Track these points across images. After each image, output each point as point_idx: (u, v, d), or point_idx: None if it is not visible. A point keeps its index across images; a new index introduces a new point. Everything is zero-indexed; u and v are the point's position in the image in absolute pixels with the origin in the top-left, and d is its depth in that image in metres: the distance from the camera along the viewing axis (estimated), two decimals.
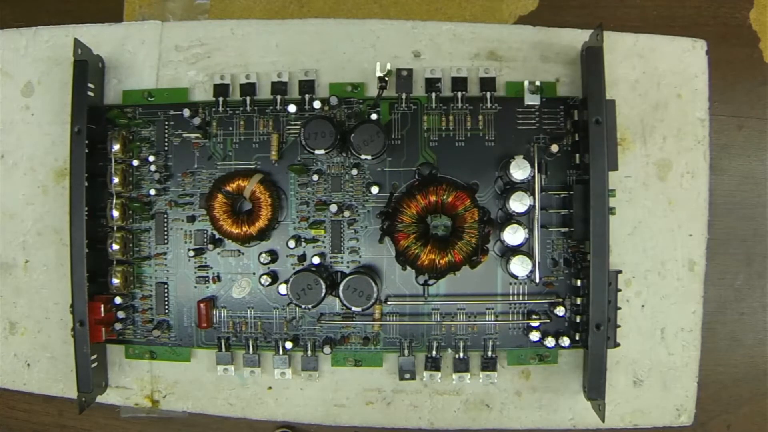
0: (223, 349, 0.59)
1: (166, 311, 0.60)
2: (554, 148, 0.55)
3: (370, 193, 0.58)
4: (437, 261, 0.53)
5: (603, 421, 0.55)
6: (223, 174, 0.59)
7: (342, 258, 0.59)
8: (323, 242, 0.59)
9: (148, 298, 0.60)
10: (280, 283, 0.56)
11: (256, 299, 0.60)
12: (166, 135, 0.60)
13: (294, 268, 0.59)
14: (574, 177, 0.57)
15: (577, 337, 0.56)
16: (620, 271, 0.57)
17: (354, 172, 0.58)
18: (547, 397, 0.60)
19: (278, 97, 0.59)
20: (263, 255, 0.58)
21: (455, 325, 0.59)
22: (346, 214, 0.58)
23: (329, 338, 0.59)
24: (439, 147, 0.59)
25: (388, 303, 0.59)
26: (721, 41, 1.00)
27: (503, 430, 0.61)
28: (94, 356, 0.58)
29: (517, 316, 0.58)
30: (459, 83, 0.58)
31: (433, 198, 0.54)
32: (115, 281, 0.58)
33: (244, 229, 0.56)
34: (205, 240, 0.60)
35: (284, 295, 0.55)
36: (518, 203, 0.54)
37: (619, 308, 0.56)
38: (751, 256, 1.01)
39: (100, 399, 0.61)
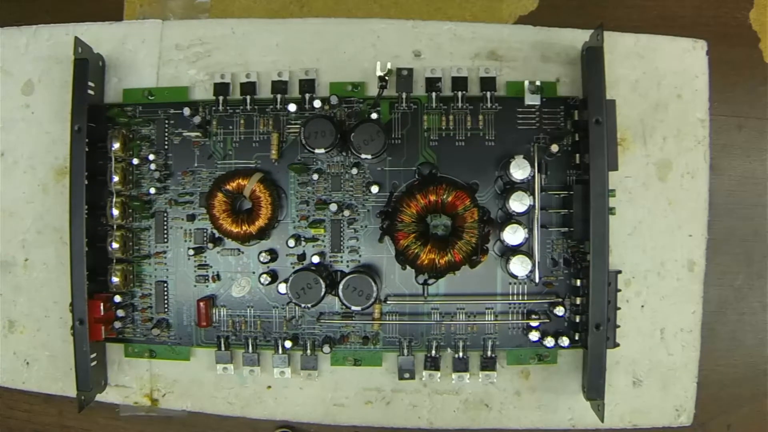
0: (223, 348, 0.59)
1: (166, 310, 0.60)
2: (554, 148, 0.55)
3: (370, 192, 0.58)
4: (437, 260, 0.53)
5: (602, 421, 0.55)
6: (223, 173, 0.59)
7: (342, 257, 0.59)
8: (323, 241, 0.59)
9: (147, 296, 0.60)
10: (280, 282, 0.56)
11: (255, 298, 0.60)
12: (166, 134, 0.60)
13: (294, 267, 0.59)
14: (574, 177, 0.57)
15: (577, 337, 0.56)
16: (620, 271, 0.57)
17: (354, 171, 0.58)
18: (547, 397, 0.60)
19: (278, 96, 0.59)
20: (263, 254, 0.58)
21: (455, 324, 0.59)
22: (346, 213, 0.58)
23: (329, 337, 0.59)
24: (439, 146, 0.59)
25: (388, 302, 0.59)
26: (721, 41, 1.00)
27: (502, 430, 0.61)
28: (94, 355, 0.58)
29: (516, 315, 0.58)
30: (459, 83, 0.58)
31: (433, 197, 0.54)
32: (115, 280, 0.58)
33: (244, 228, 0.56)
34: (205, 239, 0.60)
35: (284, 294, 0.55)
36: (518, 203, 0.54)
37: (619, 308, 0.56)
38: (751, 256, 1.01)
39: (99, 398, 0.61)
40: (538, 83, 0.58)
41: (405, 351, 0.59)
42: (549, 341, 0.57)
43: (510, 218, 0.56)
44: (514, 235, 0.54)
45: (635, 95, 0.60)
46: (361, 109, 0.59)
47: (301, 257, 0.59)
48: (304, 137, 0.54)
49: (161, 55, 0.62)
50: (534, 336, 0.57)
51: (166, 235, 0.60)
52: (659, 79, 0.60)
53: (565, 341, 0.56)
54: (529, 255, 0.55)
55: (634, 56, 0.60)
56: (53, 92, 0.63)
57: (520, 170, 0.54)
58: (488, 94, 0.58)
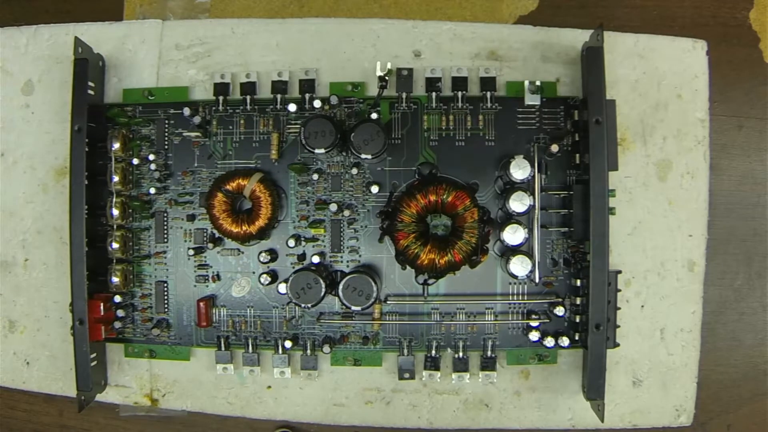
0: (223, 348, 0.59)
1: (166, 310, 0.60)
2: (554, 148, 0.55)
3: (370, 192, 0.58)
4: (437, 260, 0.53)
5: (602, 421, 0.54)
6: (223, 173, 0.59)
7: (342, 257, 0.59)
8: (323, 241, 0.59)
9: (147, 296, 0.60)
10: (280, 282, 0.56)
11: (255, 298, 0.60)
12: (166, 134, 0.60)
13: (294, 267, 0.59)
14: (574, 177, 0.57)
15: (577, 337, 0.56)
16: (620, 271, 0.57)
17: (354, 171, 0.58)
18: (547, 397, 0.60)
19: (278, 96, 0.59)
20: (263, 254, 0.58)
21: (455, 324, 0.59)
22: (346, 213, 0.58)
23: (329, 337, 0.59)
24: (439, 146, 0.59)
25: (388, 302, 0.59)
26: (721, 41, 1.00)
27: (502, 430, 0.61)
28: (94, 355, 0.58)
29: (516, 315, 0.58)
30: (459, 83, 0.58)
31: (433, 197, 0.54)
32: (115, 280, 0.58)
33: (244, 228, 0.56)
34: (205, 239, 0.60)
35: (284, 294, 0.55)
36: (518, 203, 0.54)
37: (619, 308, 0.56)
38: (751, 256, 1.01)
39: (99, 398, 0.61)
40: (538, 83, 0.58)
41: (405, 351, 0.59)
42: (549, 341, 0.57)
43: (510, 218, 0.56)
44: (514, 235, 0.54)
45: (635, 95, 0.60)
46: (361, 109, 0.59)
47: (301, 257, 0.59)
48: (304, 137, 0.54)
49: (161, 55, 0.62)
50: (534, 336, 0.57)
51: (166, 235, 0.60)
52: (659, 79, 0.60)
53: (565, 341, 0.56)
54: (529, 255, 0.55)
55: (634, 56, 0.60)
56: (53, 92, 0.63)
57: (520, 170, 0.54)
58: (488, 94, 0.58)
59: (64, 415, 1.07)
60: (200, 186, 0.60)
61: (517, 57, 0.60)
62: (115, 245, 0.58)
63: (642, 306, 0.60)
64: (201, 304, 0.58)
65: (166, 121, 0.60)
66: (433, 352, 0.58)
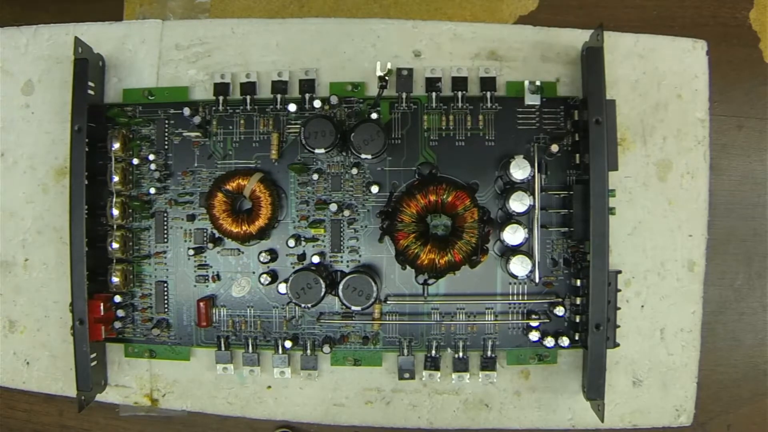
0: (223, 348, 0.59)
1: (166, 310, 0.60)
2: (554, 148, 0.55)
3: (370, 192, 0.58)
4: (437, 260, 0.53)
5: (602, 421, 0.54)
6: (223, 173, 0.59)
7: (342, 257, 0.59)
8: (323, 241, 0.59)
9: (147, 296, 0.60)
10: (280, 282, 0.56)
11: (255, 298, 0.60)
12: (166, 134, 0.60)
13: (294, 267, 0.59)
14: (574, 177, 0.57)
15: (577, 337, 0.56)
16: (620, 271, 0.57)
17: (354, 171, 0.58)
18: (547, 397, 0.60)
19: (278, 96, 0.59)
20: (263, 254, 0.58)
21: (455, 324, 0.59)
22: (346, 213, 0.58)
23: (329, 337, 0.59)
24: (439, 146, 0.59)
25: (388, 302, 0.59)
26: (721, 41, 1.00)
27: (502, 430, 0.61)
28: (94, 355, 0.58)
29: (516, 315, 0.58)
30: (459, 83, 0.58)
31: (433, 197, 0.54)
32: (115, 280, 0.58)
33: (244, 228, 0.56)
34: (205, 239, 0.60)
35: (284, 294, 0.55)
36: (518, 203, 0.54)
37: (619, 308, 0.56)
38: (751, 256, 1.01)
39: (99, 398, 0.61)
40: (538, 83, 0.58)
41: (405, 351, 0.59)
42: (549, 341, 0.57)
43: (510, 218, 0.56)
44: (514, 235, 0.54)
45: (635, 95, 0.60)
46: (361, 109, 0.59)
47: (301, 257, 0.59)
48: (304, 137, 0.54)
49: (161, 55, 0.62)
50: (534, 336, 0.57)
51: (166, 235, 0.60)
52: (659, 79, 0.60)
53: (565, 341, 0.56)
54: (529, 255, 0.55)
55: (634, 56, 0.60)
56: (53, 92, 0.63)
57: (520, 170, 0.54)
58: (488, 94, 0.58)
59: (64, 415, 1.07)
60: (200, 186, 0.60)
61: (517, 57, 0.60)
62: (115, 245, 0.58)
63: (642, 306, 0.60)
64: (201, 304, 0.58)
65: (166, 121, 0.60)
66: (433, 352, 0.58)
